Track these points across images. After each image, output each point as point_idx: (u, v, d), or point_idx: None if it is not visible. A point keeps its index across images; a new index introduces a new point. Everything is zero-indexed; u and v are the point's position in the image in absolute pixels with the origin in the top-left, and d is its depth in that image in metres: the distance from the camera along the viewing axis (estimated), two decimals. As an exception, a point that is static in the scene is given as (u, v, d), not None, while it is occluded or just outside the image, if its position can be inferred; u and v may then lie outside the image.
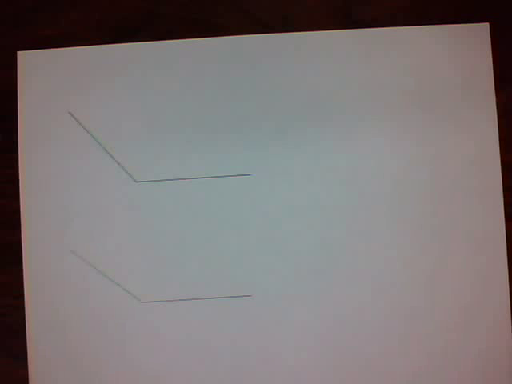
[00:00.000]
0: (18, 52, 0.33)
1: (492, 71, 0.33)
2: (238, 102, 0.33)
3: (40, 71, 0.33)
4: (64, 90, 0.33)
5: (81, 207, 0.33)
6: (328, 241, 0.32)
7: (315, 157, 0.33)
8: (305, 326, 0.32)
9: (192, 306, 0.32)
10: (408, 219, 0.32)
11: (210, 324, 0.32)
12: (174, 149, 0.33)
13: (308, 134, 0.33)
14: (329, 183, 0.33)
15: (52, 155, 0.33)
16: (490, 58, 0.33)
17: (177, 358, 0.32)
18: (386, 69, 0.33)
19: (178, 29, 0.34)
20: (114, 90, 0.33)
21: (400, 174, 0.33)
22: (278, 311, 0.32)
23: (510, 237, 0.32)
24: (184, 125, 0.33)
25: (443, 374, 0.32)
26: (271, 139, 0.33)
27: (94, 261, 0.32)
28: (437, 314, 0.32)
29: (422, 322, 0.32)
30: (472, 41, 0.33)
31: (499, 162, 0.32)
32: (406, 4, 0.34)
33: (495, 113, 0.33)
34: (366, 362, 0.32)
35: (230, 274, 0.32)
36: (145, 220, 0.33)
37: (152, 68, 0.33)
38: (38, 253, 0.32)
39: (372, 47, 0.33)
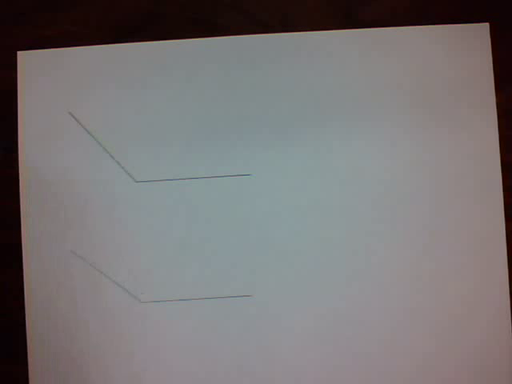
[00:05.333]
0: (18, 52, 0.33)
1: (492, 71, 0.33)
2: (237, 102, 0.33)
3: (40, 71, 0.33)
4: (64, 90, 0.33)
5: (81, 207, 0.33)
6: (328, 241, 0.32)
7: (315, 157, 0.33)
8: (305, 326, 0.32)
9: (192, 306, 0.32)
10: (408, 219, 0.32)
11: (210, 324, 0.32)
12: (173, 149, 0.33)
13: (308, 134, 0.33)
14: (329, 183, 0.33)
15: (52, 155, 0.33)
16: (490, 58, 0.33)
17: (177, 358, 0.32)
18: (385, 69, 0.33)
19: (178, 29, 0.34)
20: (114, 90, 0.33)
21: (400, 174, 0.33)
22: (278, 311, 0.32)
23: (510, 237, 0.32)
24: (184, 125, 0.33)
25: (443, 374, 0.32)
26: (271, 139, 0.33)
27: (94, 261, 0.32)
28: (437, 313, 0.32)
29: (421, 322, 0.32)
30: (472, 41, 0.33)
31: (499, 162, 0.32)
32: (406, 4, 0.34)
33: (495, 113, 0.33)
34: (366, 362, 0.32)
35: (230, 274, 0.32)
36: (145, 220, 0.33)
37: (152, 68, 0.33)
38: (38, 253, 0.32)
39: (372, 47, 0.33)
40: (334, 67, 0.33)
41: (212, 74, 0.33)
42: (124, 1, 0.34)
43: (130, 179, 0.33)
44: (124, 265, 0.32)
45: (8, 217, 0.33)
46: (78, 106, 0.33)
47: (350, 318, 0.32)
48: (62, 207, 0.33)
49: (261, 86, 0.33)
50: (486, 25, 0.33)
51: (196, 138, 0.33)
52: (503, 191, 0.32)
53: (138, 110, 0.33)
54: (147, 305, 0.32)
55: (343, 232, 0.32)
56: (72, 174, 0.33)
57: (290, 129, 0.33)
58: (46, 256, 0.32)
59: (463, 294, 0.32)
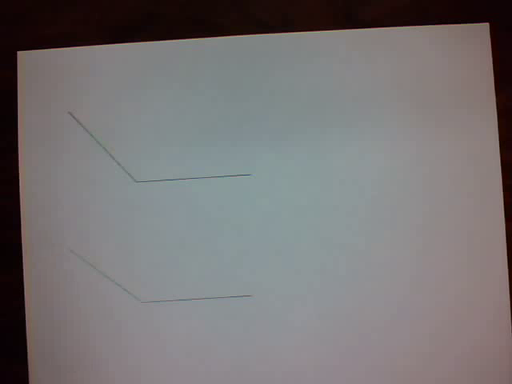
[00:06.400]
0: (18, 52, 0.33)
1: (492, 71, 0.33)
2: (237, 102, 0.33)
3: (40, 71, 0.33)
4: (64, 90, 0.33)
5: (81, 207, 0.33)
6: (328, 241, 0.32)
7: (315, 157, 0.33)
8: (305, 326, 0.32)
9: (192, 306, 0.32)
10: (408, 219, 0.32)
11: (210, 324, 0.32)
12: (174, 149, 0.33)
13: (308, 134, 0.33)
14: (329, 183, 0.33)
15: (52, 155, 0.33)
16: (490, 58, 0.33)
17: (177, 358, 0.32)
18: (385, 69, 0.33)
19: (178, 29, 0.34)
20: (114, 90, 0.33)
21: (400, 174, 0.33)
22: (278, 311, 0.32)
23: (510, 237, 0.32)
24: (184, 125, 0.33)
25: (443, 374, 0.32)
26: (271, 139, 0.33)
27: (94, 261, 0.32)
28: (437, 313, 0.32)
29: (421, 322, 0.32)
30: (472, 41, 0.33)
31: (499, 162, 0.32)
32: (406, 4, 0.34)
33: (495, 113, 0.33)
34: (366, 362, 0.32)
35: (230, 274, 0.32)
36: (145, 220, 0.33)
37: (152, 68, 0.33)
38: (38, 253, 0.32)
39: (372, 47, 0.33)
40: (334, 67, 0.33)
41: (212, 74, 0.33)
42: (124, 1, 0.34)
43: (130, 179, 0.33)
44: (124, 265, 0.32)
45: (8, 217, 0.33)
46: (77, 105, 0.33)
47: (350, 318, 0.32)
48: (61, 207, 0.33)
49: (261, 86, 0.33)
50: (486, 25, 0.33)
51: (196, 137, 0.33)
52: (503, 191, 0.32)
53: (138, 109, 0.33)
54: (147, 305, 0.32)
55: (343, 232, 0.32)
56: (72, 174, 0.33)
57: (290, 129, 0.33)
58: (46, 256, 0.32)
59: (463, 293, 0.32)
